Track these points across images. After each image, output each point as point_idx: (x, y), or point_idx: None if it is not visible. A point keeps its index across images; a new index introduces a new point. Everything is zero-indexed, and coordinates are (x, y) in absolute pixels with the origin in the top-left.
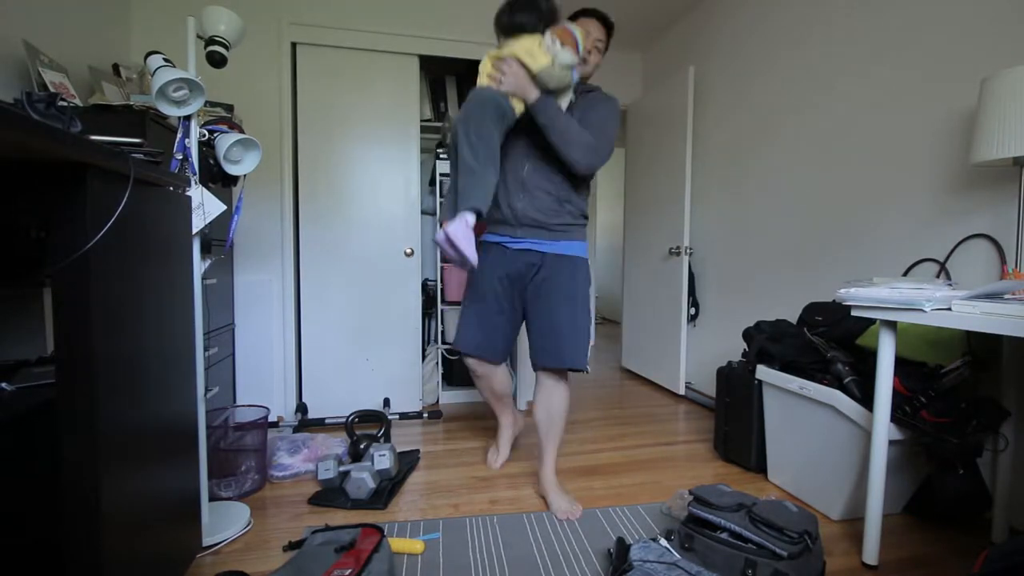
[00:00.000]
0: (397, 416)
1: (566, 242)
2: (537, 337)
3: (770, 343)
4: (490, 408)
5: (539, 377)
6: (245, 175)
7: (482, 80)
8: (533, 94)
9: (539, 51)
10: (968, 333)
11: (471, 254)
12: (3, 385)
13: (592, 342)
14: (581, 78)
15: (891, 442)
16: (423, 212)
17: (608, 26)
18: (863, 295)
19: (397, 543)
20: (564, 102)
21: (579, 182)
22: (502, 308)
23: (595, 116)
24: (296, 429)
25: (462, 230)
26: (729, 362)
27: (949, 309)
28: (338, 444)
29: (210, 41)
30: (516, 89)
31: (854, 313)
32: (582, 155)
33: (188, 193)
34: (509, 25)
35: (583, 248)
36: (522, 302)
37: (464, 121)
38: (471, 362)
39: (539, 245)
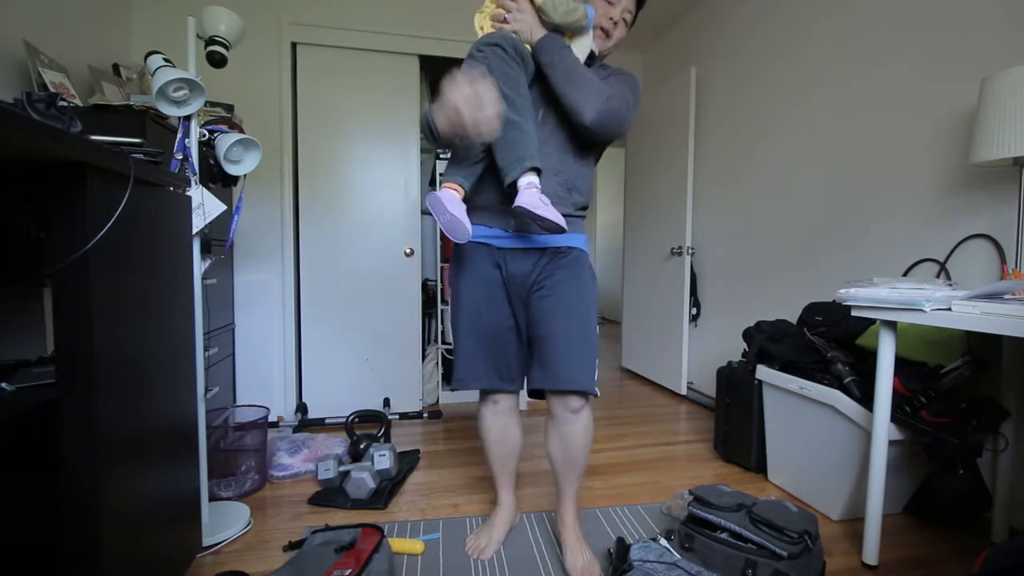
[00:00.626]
0: (397, 416)
1: (570, 234)
2: (541, 355)
3: (770, 343)
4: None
5: (551, 406)
6: (245, 175)
7: (482, 32)
8: (539, 32)
9: None
10: (968, 333)
11: (558, 216)
12: (3, 385)
13: None
14: (600, 55)
15: (891, 442)
16: (423, 212)
17: None
18: (863, 295)
19: (397, 543)
20: (580, 50)
21: (588, 163)
22: (508, 319)
23: (611, 82)
24: (296, 429)
25: (535, 195)
26: (729, 362)
27: (949, 309)
28: (338, 444)
29: (210, 41)
30: (524, 28)
31: (854, 313)
32: (593, 103)
33: (188, 193)
34: None
35: (585, 242)
36: (523, 311)
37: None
38: (494, 397)
39: (538, 240)
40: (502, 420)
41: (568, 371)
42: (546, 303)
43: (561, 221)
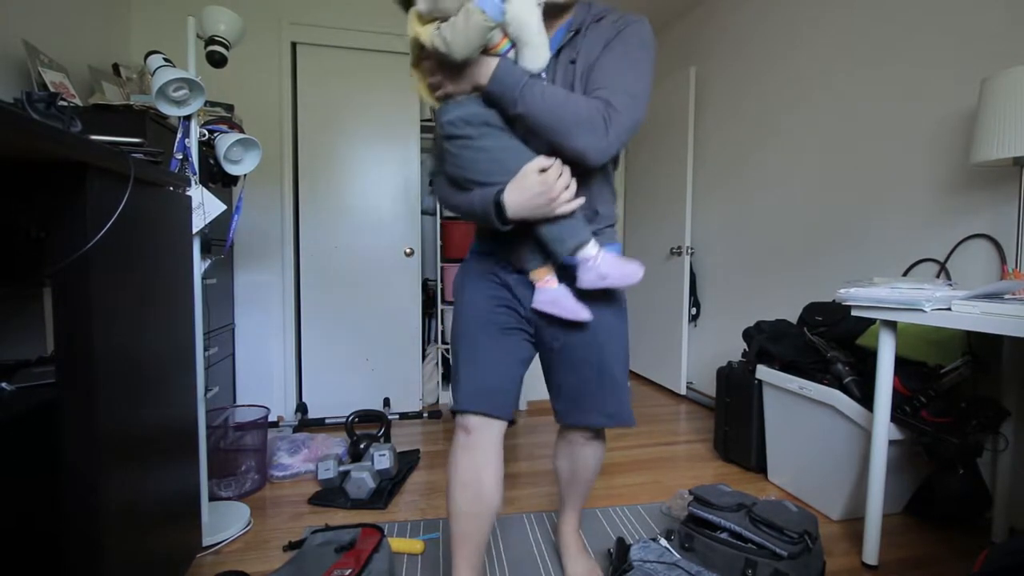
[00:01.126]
0: (397, 416)
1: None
2: (569, 386)
3: (770, 343)
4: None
5: (565, 430)
6: (245, 175)
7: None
8: (479, 76)
9: (414, 19)
10: (968, 333)
11: (581, 310)
12: (3, 385)
13: None
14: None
15: (891, 442)
16: (423, 212)
17: None
18: (863, 295)
19: (397, 543)
20: (533, 57)
21: (600, 181)
22: (512, 329)
23: (610, 62)
24: (296, 429)
25: (551, 294)
26: (729, 362)
27: (949, 309)
28: (338, 444)
29: (210, 41)
30: (459, 87)
31: (854, 313)
32: (592, 143)
33: (188, 193)
34: None
35: (618, 251)
36: (534, 330)
37: (457, 166)
38: (473, 420)
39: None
40: (474, 459)
41: (596, 409)
42: (576, 337)
43: (586, 315)
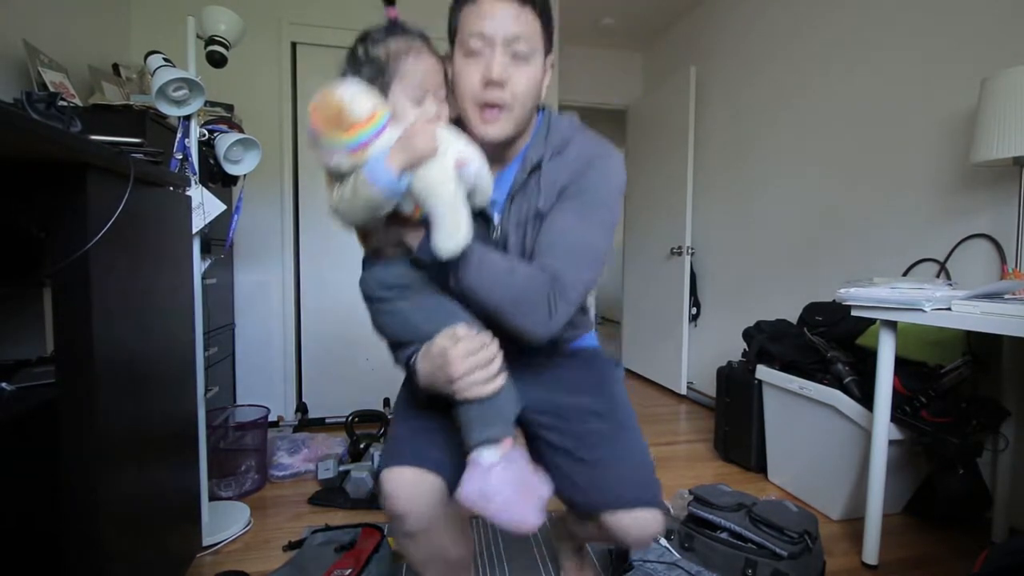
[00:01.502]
0: None
1: (577, 341)
2: (585, 481)
3: (770, 343)
4: None
5: (608, 528)
6: (245, 175)
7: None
8: (404, 235)
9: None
10: (968, 333)
11: (522, 513)
12: (3, 385)
13: None
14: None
15: (891, 442)
16: None
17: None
18: (863, 295)
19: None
20: (445, 238)
21: None
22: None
23: (563, 217)
24: (296, 429)
25: (497, 478)
26: (729, 362)
27: (949, 309)
28: (338, 444)
29: (210, 41)
30: (388, 239)
31: (854, 313)
32: (527, 321)
33: (188, 193)
34: None
35: (594, 337)
36: None
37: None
38: (403, 499)
39: (529, 352)
40: (426, 545)
41: (628, 487)
42: (573, 450)
43: (533, 523)
